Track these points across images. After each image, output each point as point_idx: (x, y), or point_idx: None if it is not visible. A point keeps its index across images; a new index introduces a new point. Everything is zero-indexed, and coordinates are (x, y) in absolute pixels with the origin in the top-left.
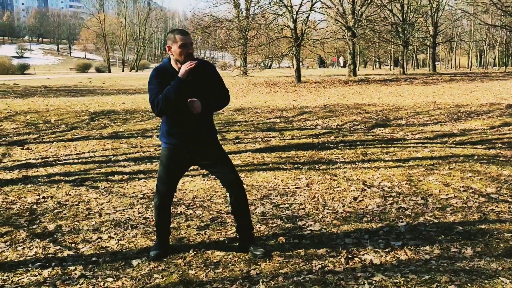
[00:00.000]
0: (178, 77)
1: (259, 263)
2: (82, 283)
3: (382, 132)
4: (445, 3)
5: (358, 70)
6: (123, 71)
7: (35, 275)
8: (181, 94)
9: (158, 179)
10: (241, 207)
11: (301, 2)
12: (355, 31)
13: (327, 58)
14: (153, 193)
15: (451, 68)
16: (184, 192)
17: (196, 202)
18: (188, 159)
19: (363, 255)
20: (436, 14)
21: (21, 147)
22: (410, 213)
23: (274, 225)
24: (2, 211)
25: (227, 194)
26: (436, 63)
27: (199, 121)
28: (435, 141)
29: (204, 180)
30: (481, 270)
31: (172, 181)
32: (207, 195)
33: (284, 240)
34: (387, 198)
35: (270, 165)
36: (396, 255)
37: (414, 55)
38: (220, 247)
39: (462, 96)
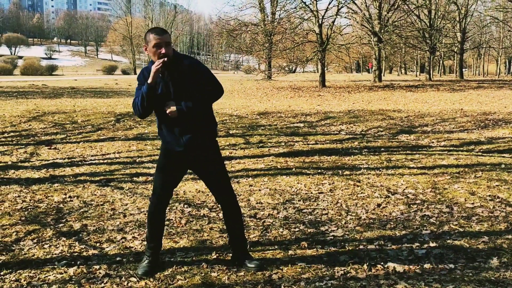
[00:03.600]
0: (146, 82)
1: (281, 268)
2: (106, 282)
3: (407, 139)
4: (474, 9)
5: (384, 75)
6: None
7: (61, 273)
8: (152, 98)
9: (153, 185)
10: (234, 223)
11: (327, 7)
12: (381, 36)
13: (365, 63)
14: (152, 195)
15: (479, 75)
16: (207, 195)
17: (219, 205)
18: (182, 162)
19: (386, 262)
20: (464, 20)
21: (49, 147)
22: (434, 221)
23: (297, 229)
24: (30, 209)
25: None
26: (464, 69)
27: (185, 123)
28: (461, 148)
29: None
30: (507, 281)
31: (167, 187)
32: None
33: (306, 245)
34: (411, 205)
35: (294, 169)
36: (420, 263)
37: (441, 61)
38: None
39: (489, 104)
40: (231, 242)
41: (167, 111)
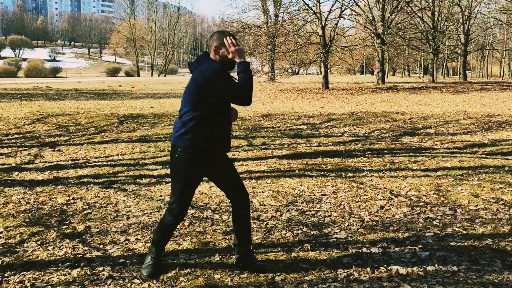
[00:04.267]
0: (243, 62)
1: (284, 270)
2: (110, 284)
3: (410, 141)
4: (477, 11)
5: (387, 77)
6: (151, 75)
7: (65, 275)
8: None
9: (174, 196)
10: (245, 220)
11: (330, 9)
12: (384, 38)
13: (369, 65)
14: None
15: (483, 76)
16: (211, 197)
17: (222, 207)
18: (205, 169)
19: (389, 264)
20: (467, 22)
21: (53, 149)
22: (437, 224)
23: (300, 231)
24: (33, 211)
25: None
26: (467, 71)
27: (229, 127)
28: (465, 151)
29: None
30: (510, 283)
31: (192, 195)
32: None
33: (309, 247)
34: (415, 207)
35: (297, 171)
36: (423, 265)
37: (444, 63)
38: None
39: (493, 106)
40: (237, 242)
41: (233, 114)
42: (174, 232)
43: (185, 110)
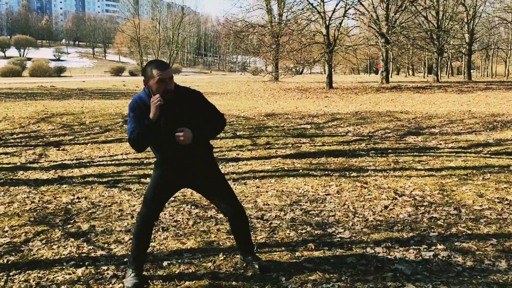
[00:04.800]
0: (148, 118)
1: (288, 269)
2: (114, 283)
3: (414, 140)
4: (482, 10)
5: (391, 77)
6: None
7: (69, 274)
8: (154, 133)
9: (144, 198)
10: (244, 231)
11: (334, 8)
12: (388, 37)
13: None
14: (140, 204)
15: (487, 76)
16: None
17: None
18: (180, 182)
19: (394, 264)
20: (472, 21)
21: (57, 148)
22: (442, 223)
23: (304, 231)
24: (38, 210)
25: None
26: (472, 71)
27: (190, 149)
28: (469, 150)
29: (234, 184)
30: None
31: (159, 202)
32: None
33: (313, 247)
34: (419, 207)
35: (300, 171)
36: (427, 265)
37: (449, 63)
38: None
39: (498, 105)
40: (238, 246)
41: (180, 137)
42: (179, 231)
43: None
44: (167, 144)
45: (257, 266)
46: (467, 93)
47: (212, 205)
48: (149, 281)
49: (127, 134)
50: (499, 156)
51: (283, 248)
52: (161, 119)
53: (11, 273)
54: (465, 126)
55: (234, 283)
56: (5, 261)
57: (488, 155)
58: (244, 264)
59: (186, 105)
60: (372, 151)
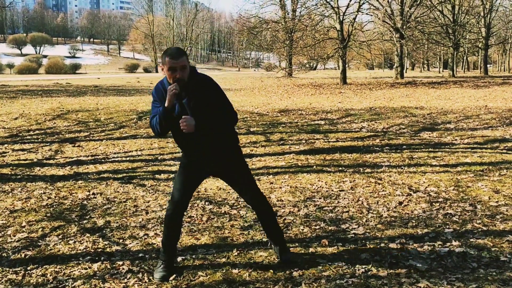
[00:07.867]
0: (163, 105)
1: (302, 265)
2: (130, 278)
3: (429, 136)
4: (499, 3)
5: (406, 72)
6: None
7: (85, 268)
8: (169, 120)
9: (173, 186)
10: (270, 223)
11: (348, 4)
12: (403, 32)
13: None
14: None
15: (504, 71)
16: (228, 192)
17: (240, 202)
18: (205, 170)
19: (408, 260)
20: (489, 15)
21: (73, 145)
22: (457, 220)
23: (318, 227)
24: (55, 206)
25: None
26: (488, 65)
27: (205, 139)
28: (485, 146)
29: None
30: None
31: (187, 190)
32: None
33: (327, 243)
34: (434, 203)
35: (314, 167)
36: (442, 262)
37: (465, 57)
38: (263, 247)
39: None
40: (267, 235)
41: (183, 123)
42: (193, 227)
43: None
44: (182, 133)
45: (283, 257)
46: (483, 88)
47: (226, 201)
48: (183, 270)
49: (149, 118)
50: None
51: (297, 244)
52: (175, 107)
53: (28, 268)
54: (481, 121)
55: (248, 278)
56: (23, 255)
57: (504, 151)
58: (277, 255)
59: (201, 94)
60: (387, 147)
